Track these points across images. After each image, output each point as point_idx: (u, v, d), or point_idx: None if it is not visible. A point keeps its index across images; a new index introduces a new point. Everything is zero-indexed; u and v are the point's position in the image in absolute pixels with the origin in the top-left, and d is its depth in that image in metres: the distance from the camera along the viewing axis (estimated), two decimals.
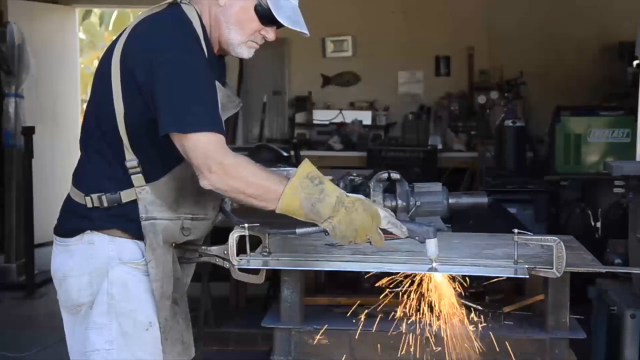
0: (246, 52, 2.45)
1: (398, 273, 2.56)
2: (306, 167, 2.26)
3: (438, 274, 2.50)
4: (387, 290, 2.63)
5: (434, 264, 2.36)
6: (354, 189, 2.50)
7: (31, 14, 8.26)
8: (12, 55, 7.37)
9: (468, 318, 2.61)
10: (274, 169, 2.43)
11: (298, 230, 2.35)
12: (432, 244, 2.33)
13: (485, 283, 2.80)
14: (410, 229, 2.30)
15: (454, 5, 8.77)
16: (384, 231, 2.27)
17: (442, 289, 2.57)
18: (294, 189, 2.21)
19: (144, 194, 2.33)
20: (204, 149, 2.20)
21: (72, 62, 9.17)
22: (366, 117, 8.99)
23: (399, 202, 2.45)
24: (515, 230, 2.41)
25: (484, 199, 2.57)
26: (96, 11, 14.11)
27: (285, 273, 2.65)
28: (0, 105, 7.55)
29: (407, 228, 2.30)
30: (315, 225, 2.27)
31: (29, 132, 6.95)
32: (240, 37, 2.41)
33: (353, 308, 2.72)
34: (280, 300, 2.69)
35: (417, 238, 2.32)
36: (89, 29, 14.48)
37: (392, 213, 2.34)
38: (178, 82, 2.23)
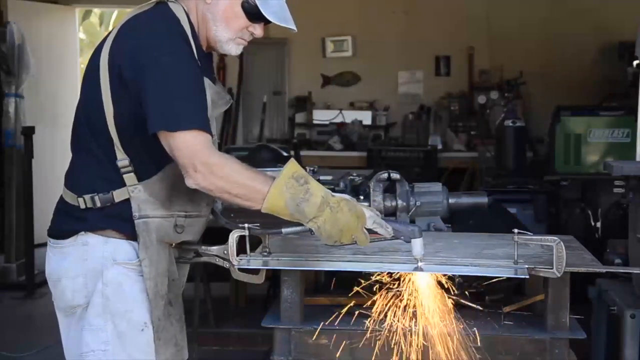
0: (234, 49, 2.46)
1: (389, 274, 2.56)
2: (291, 167, 2.27)
3: (425, 275, 2.50)
4: (380, 289, 2.63)
5: (420, 264, 2.37)
6: (354, 189, 2.50)
7: (31, 14, 8.27)
8: (12, 55, 7.38)
9: (468, 318, 2.61)
10: (269, 169, 2.43)
11: (284, 230, 2.35)
12: (417, 244, 2.33)
13: (486, 283, 2.80)
14: (395, 228, 2.31)
15: (454, 5, 8.78)
16: (370, 231, 2.28)
17: (440, 290, 2.57)
18: (279, 189, 2.22)
19: (137, 193, 2.33)
20: (190, 148, 2.20)
21: (72, 62, 9.18)
22: (366, 117, 8.98)
23: (399, 202, 2.45)
24: (515, 230, 2.41)
25: (484, 199, 2.57)
26: (96, 11, 14.12)
27: (285, 273, 2.65)
28: (0, 105, 7.55)
29: (392, 228, 2.30)
30: (301, 224, 2.27)
31: (29, 132, 6.95)
32: (228, 34, 2.42)
33: (346, 308, 2.71)
34: (280, 300, 2.68)
35: (402, 238, 2.33)
36: (89, 29, 14.48)
37: (378, 213, 2.35)
38: (165, 81, 2.24)
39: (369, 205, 2.40)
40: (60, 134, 8.42)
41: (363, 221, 2.26)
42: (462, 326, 2.54)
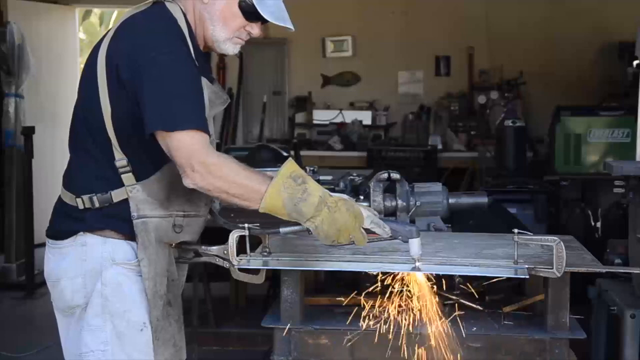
0: (231, 49, 2.46)
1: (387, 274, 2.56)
2: (289, 166, 2.27)
3: (420, 274, 2.50)
4: (374, 289, 2.63)
5: (417, 264, 2.37)
6: (354, 189, 2.50)
7: (31, 14, 8.27)
8: (12, 55, 7.37)
9: (468, 318, 2.61)
10: (269, 169, 2.43)
11: (282, 230, 2.35)
12: (415, 244, 2.33)
13: (486, 283, 2.80)
14: (393, 228, 2.31)
15: (454, 5, 8.78)
16: (368, 231, 2.28)
17: (439, 290, 2.57)
18: (277, 189, 2.22)
19: (135, 193, 2.33)
20: (188, 148, 2.20)
21: (72, 62, 9.17)
22: (366, 117, 8.98)
23: (399, 202, 2.45)
24: (515, 230, 2.41)
25: (484, 199, 2.57)
26: (96, 11, 14.12)
27: (285, 273, 2.65)
28: (0, 105, 7.55)
29: (390, 228, 2.30)
30: (299, 224, 2.27)
31: (29, 132, 6.95)
32: (225, 34, 2.42)
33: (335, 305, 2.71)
34: (280, 300, 2.68)
35: (400, 238, 2.32)
36: (89, 29, 14.47)
37: (376, 213, 2.34)
38: (162, 80, 2.23)
39: (369, 206, 2.40)
40: (60, 133, 8.41)
41: (361, 221, 2.26)
42: (463, 326, 2.54)
